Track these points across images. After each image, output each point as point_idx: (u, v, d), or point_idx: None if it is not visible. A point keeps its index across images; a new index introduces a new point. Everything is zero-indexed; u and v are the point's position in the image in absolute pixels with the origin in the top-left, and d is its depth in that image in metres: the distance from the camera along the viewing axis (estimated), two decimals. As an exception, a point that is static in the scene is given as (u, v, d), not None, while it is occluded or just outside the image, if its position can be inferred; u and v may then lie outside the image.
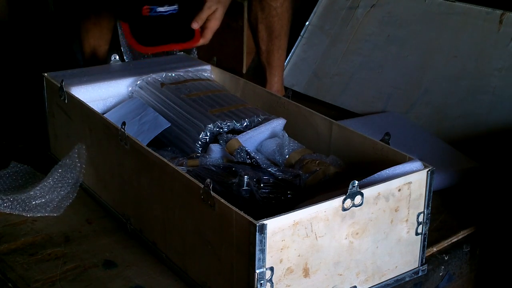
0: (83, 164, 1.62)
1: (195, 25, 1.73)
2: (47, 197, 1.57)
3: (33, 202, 1.56)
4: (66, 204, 1.58)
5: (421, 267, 1.38)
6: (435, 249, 1.48)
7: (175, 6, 1.71)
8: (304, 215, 1.16)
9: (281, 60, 2.14)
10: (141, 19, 1.68)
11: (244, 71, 2.54)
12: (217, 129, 1.56)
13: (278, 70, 2.13)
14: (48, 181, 1.58)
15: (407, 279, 1.36)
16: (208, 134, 1.55)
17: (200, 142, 1.55)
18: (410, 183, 1.28)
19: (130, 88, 1.78)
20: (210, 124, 1.55)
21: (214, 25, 1.77)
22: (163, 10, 1.69)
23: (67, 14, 2.70)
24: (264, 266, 1.13)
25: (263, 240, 1.11)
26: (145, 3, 1.68)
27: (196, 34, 1.75)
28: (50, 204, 1.57)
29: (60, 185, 1.59)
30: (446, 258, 1.47)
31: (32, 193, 1.57)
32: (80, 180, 1.63)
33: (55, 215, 1.55)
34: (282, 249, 1.14)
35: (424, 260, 1.38)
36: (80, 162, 1.62)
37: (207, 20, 1.75)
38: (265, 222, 1.11)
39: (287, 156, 1.50)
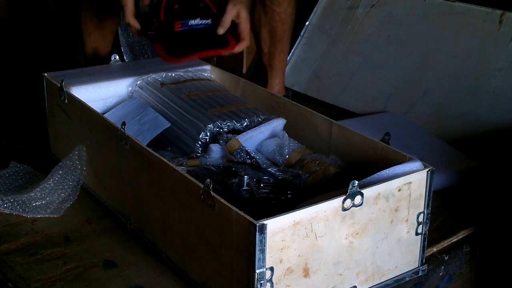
0: (83, 166, 1.62)
1: (221, 30, 1.69)
2: (48, 198, 1.57)
3: (33, 204, 1.56)
4: (67, 206, 1.58)
5: (421, 267, 1.38)
6: (435, 249, 1.48)
7: (208, 21, 1.69)
8: (304, 215, 1.16)
9: (283, 63, 2.14)
10: (174, 36, 1.67)
11: (244, 71, 2.55)
12: (217, 129, 1.56)
13: (279, 72, 2.14)
14: (49, 183, 1.58)
15: (407, 279, 1.36)
16: (208, 134, 1.55)
17: (200, 142, 1.55)
18: (410, 183, 1.28)
19: (130, 88, 1.78)
20: (210, 124, 1.55)
21: (246, 26, 1.72)
22: (195, 23, 1.67)
23: (67, 14, 2.70)
24: (264, 266, 1.13)
25: (263, 240, 1.11)
26: (176, 19, 1.67)
27: (231, 42, 1.71)
28: (51, 206, 1.56)
29: (60, 187, 1.59)
30: (446, 258, 1.47)
31: (32, 194, 1.57)
32: (81, 182, 1.63)
33: (55, 216, 1.55)
34: (282, 249, 1.14)
35: (424, 260, 1.38)
36: (81, 164, 1.62)
37: (237, 24, 1.71)
38: (265, 222, 1.11)
39: (287, 156, 1.50)
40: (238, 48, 1.72)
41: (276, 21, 2.03)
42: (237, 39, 1.72)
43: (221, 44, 1.70)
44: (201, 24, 1.68)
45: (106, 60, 2.03)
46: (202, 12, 1.68)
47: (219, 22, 1.69)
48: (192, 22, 1.66)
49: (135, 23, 1.68)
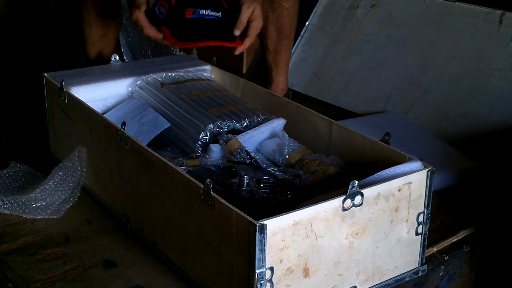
0: (84, 167, 1.62)
1: (237, 32, 1.67)
2: (48, 200, 1.57)
3: (33, 205, 1.56)
4: (67, 207, 1.58)
5: (421, 267, 1.38)
6: (435, 249, 1.48)
7: (218, 14, 1.70)
8: (304, 215, 1.16)
9: (288, 59, 2.14)
10: (184, 22, 1.67)
11: (244, 71, 2.55)
12: (217, 129, 1.56)
13: (284, 69, 2.13)
14: (49, 184, 1.58)
15: (407, 279, 1.36)
16: (208, 134, 1.55)
17: (200, 142, 1.55)
18: (410, 183, 1.28)
19: (130, 88, 1.78)
20: (210, 124, 1.55)
21: (257, 23, 1.68)
22: (206, 14, 1.68)
23: (67, 14, 2.70)
24: (264, 266, 1.13)
25: (263, 240, 1.11)
26: (187, 6, 1.67)
27: (237, 39, 1.69)
28: (51, 207, 1.56)
29: (61, 188, 1.59)
30: (446, 258, 1.47)
31: (32, 195, 1.57)
32: (81, 183, 1.62)
33: (55, 217, 1.55)
34: (282, 249, 1.14)
35: (424, 260, 1.38)
36: (81, 165, 1.62)
37: (249, 21, 1.68)
38: (265, 222, 1.11)
39: (287, 156, 1.50)
40: (242, 47, 1.69)
41: (285, 16, 2.03)
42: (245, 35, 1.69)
43: (228, 38, 1.69)
44: (211, 15, 1.68)
45: (108, 63, 2.03)
46: (214, 4, 1.69)
47: (234, 22, 1.67)
48: (203, 12, 1.67)
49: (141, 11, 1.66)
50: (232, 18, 1.68)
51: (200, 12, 1.66)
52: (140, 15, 1.64)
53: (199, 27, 1.67)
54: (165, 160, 1.33)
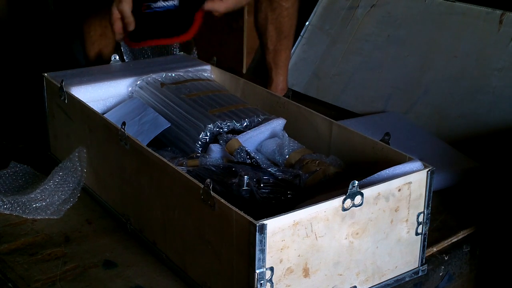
0: (84, 167, 1.62)
1: None
2: (48, 200, 1.57)
3: (34, 205, 1.56)
4: (67, 207, 1.58)
5: (421, 267, 1.38)
6: (435, 249, 1.48)
7: (173, 2, 1.65)
8: (304, 215, 1.16)
9: (288, 59, 2.14)
10: (139, 17, 1.64)
11: (244, 71, 2.55)
12: (217, 129, 1.56)
13: (284, 69, 2.14)
14: (49, 184, 1.58)
15: (407, 279, 1.36)
16: (208, 134, 1.55)
17: (200, 142, 1.55)
18: (410, 183, 1.28)
19: (130, 88, 1.78)
20: (210, 124, 1.55)
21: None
22: (158, 6, 1.63)
23: (67, 14, 2.70)
24: (264, 266, 1.13)
25: (263, 240, 1.11)
26: (143, 1, 1.63)
27: (191, 30, 1.64)
28: (51, 207, 1.56)
29: (61, 188, 1.59)
30: (446, 258, 1.47)
31: (32, 195, 1.56)
32: (82, 184, 1.62)
33: (55, 217, 1.55)
34: (282, 249, 1.14)
35: (424, 260, 1.38)
36: (81, 166, 1.62)
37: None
38: (265, 222, 1.11)
39: (287, 156, 1.50)
40: (186, 38, 1.63)
41: (284, 16, 2.03)
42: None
43: (181, 29, 1.63)
44: (163, 6, 1.63)
45: (108, 63, 2.03)
46: None
47: (195, 6, 1.61)
48: (154, 5, 1.62)
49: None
50: (193, 2, 1.61)
51: (153, 6, 1.61)
52: (116, 13, 1.60)
53: (150, 24, 1.62)
54: (165, 160, 1.33)
